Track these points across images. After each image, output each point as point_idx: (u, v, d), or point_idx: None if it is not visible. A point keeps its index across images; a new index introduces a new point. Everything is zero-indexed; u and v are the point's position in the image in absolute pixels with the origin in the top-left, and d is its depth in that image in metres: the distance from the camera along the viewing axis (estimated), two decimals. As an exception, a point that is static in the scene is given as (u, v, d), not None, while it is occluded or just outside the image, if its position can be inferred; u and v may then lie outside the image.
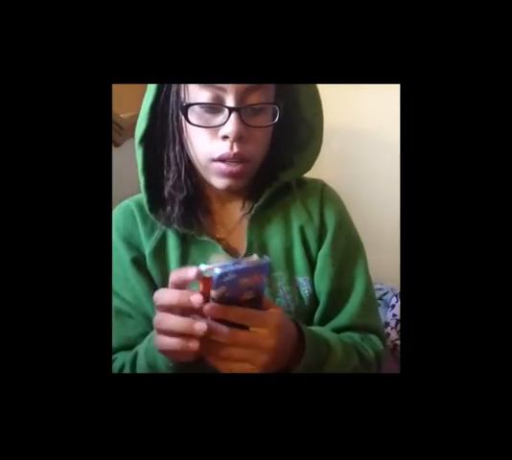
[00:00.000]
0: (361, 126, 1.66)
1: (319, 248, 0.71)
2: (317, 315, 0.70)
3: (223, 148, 0.61)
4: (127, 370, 0.63)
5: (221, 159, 0.62)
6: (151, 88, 0.64)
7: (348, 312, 0.69)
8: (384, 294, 1.57)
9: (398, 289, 1.56)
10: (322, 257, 0.70)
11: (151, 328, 0.63)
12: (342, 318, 0.69)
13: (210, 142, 0.62)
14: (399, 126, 0.52)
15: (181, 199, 0.66)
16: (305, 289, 0.69)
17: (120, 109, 1.00)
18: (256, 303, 0.51)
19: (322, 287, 0.69)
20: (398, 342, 1.45)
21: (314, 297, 0.70)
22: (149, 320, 0.66)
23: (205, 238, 0.68)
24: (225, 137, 0.60)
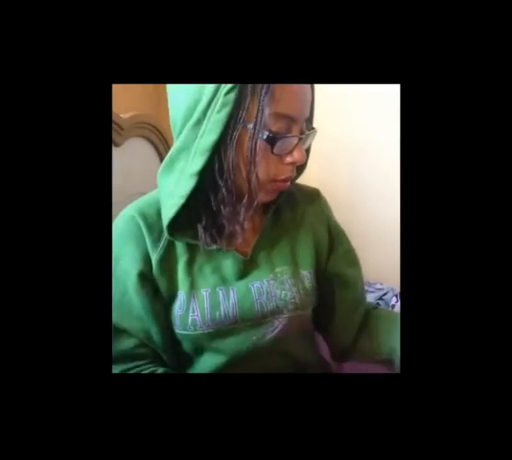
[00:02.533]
0: (361, 126, 1.66)
1: (330, 248, 0.78)
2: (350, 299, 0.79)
3: (287, 171, 0.65)
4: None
5: (284, 180, 0.66)
6: (218, 125, 0.59)
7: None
8: (384, 294, 1.57)
9: (398, 289, 1.57)
10: (340, 257, 0.79)
11: (148, 341, 0.68)
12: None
13: (275, 166, 0.64)
14: (399, 125, 0.52)
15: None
16: (308, 282, 0.72)
17: (120, 109, 1.00)
18: None
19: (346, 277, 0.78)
20: (398, 342, 1.45)
21: (316, 290, 0.74)
22: (146, 335, 0.68)
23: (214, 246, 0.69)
24: (293, 163, 0.64)
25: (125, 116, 1.02)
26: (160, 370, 0.67)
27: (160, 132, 1.17)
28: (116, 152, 1.01)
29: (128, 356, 0.68)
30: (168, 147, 1.22)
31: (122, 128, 1.00)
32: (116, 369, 0.69)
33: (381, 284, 1.58)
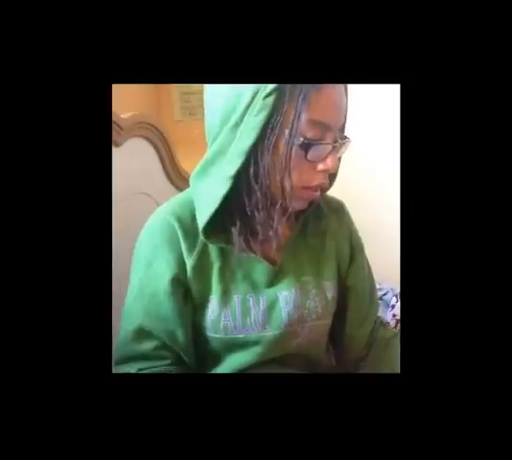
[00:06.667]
0: (361, 126, 1.66)
1: (350, 261, 0.79)
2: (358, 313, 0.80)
3: (320, 178, 0.65)
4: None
5: (316, 188, 0.65)
6: (255, 128, 0.59)
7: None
8: (384, 294, 1.57)
9: (398, 289, 1.57)
10: (357, 268, 0.79)
11: (172, 342, 0.68)
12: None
13: (308, 172, 0.64)
14: (398, 125, 0.52)
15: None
16: (329, 293, 0.74)
17: (120, 109, 1.00)
18: None
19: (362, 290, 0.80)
20: (398, 342, 1.45)
21: (335, 300, 0.76)
22: (171, 336, 0.69)
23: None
24: (325, 170, 0.64)
25: (125, 116, 1.02)
26: (175, 371, 0.68)
27: (160, 132, 1.16)
28: (116, 152, 1.01)
29: (148, 358, 0.69)
30: (168, 147, 1.22)
31: (122, 128, 1.00)
32: (132, 368, 0.69)
33: (380, 284, 1.58)
